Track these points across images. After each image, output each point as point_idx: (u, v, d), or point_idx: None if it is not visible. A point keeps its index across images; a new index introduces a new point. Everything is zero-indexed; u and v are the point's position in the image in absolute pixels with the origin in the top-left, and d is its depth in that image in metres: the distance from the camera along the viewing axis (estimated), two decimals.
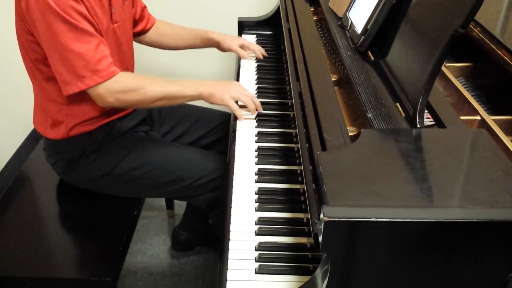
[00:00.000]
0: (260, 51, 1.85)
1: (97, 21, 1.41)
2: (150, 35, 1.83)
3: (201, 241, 2.08)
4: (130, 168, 1.55)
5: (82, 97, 1.45)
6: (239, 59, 1.87)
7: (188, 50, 1.91)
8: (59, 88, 1.41)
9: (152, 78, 1.48)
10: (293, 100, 1.31)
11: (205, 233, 2.05)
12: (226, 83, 1.51)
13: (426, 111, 1.05)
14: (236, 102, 1.49)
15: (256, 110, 1.49)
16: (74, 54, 1.33)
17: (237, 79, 1.76)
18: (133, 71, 1.68)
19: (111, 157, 1.56)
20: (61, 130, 1.52)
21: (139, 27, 1.77)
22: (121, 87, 1.40)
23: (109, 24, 1.48)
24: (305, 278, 0.94)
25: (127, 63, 1.61)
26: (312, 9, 1.85)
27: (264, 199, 1.20)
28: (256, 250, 1.07)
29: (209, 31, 1.85)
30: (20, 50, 1.46)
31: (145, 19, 1.78)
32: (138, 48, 1.69)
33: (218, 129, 1.80)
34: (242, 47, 1.84)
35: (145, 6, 1.78)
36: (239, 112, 1.48)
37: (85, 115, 1.51)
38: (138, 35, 1.80)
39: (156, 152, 1.58)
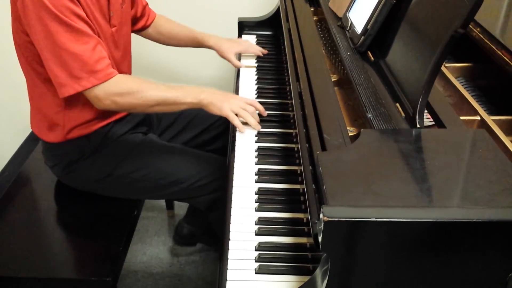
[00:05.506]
0: (259, 50, 1.86)
1: (96, 25, 1.40)
2: (149, 31, 1.83)
3: (203, 238, 2.08)
4: (129, 170, 1.55)
5: (79, 99, 1.44)
6: (239, 59, 1.86)
7: (188, 49, 1.91)
8: (55, 90, 1.38)
9: (151, 82, 1.45)
10: (293, 100, 1.31)
11: (208, 230, 2.04)
12: (227, 95, 1.45)
13: (426, 111, 1.05)
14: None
15: (260, 121, 1.44)
16: (71, 55, 1.30)
17: (237, 79, 1.76)
18: (130, 74, 1.67)
19: (110, 160, 1.55)
20: (58, 133, 1.51)
21: (140, 25, 1.77)
22: (119, 89, 1.37)
23: (107, 28, 1.47)
24: (305, 278, 0.94)
25: (124, 66, 1.60)
26: (312, 9, 1.85)
27: (264, 199, 1.20)
28: (256, 250, 1.07)
29: (205, 36, 1.82)
30: (16, 50, 1.44)
31: (145, 16, 1.78)
32: (136, 48, 1.69)
33: (216, 125, 1.79)
34: (240, 52, 1.83)
35: (147, 4, 1.78)
36: (238, 122, 1.41)
37: (82, 117, 1.49)
38: (138, 31, 1.81)
39: (155, 154, 1.58)
